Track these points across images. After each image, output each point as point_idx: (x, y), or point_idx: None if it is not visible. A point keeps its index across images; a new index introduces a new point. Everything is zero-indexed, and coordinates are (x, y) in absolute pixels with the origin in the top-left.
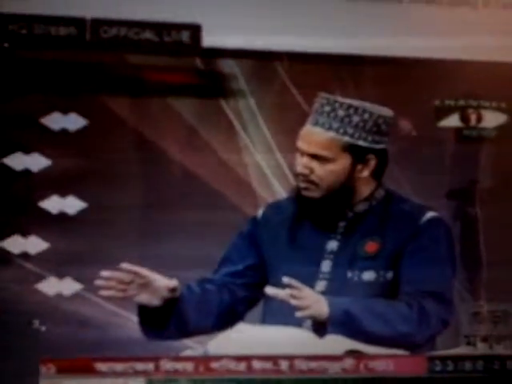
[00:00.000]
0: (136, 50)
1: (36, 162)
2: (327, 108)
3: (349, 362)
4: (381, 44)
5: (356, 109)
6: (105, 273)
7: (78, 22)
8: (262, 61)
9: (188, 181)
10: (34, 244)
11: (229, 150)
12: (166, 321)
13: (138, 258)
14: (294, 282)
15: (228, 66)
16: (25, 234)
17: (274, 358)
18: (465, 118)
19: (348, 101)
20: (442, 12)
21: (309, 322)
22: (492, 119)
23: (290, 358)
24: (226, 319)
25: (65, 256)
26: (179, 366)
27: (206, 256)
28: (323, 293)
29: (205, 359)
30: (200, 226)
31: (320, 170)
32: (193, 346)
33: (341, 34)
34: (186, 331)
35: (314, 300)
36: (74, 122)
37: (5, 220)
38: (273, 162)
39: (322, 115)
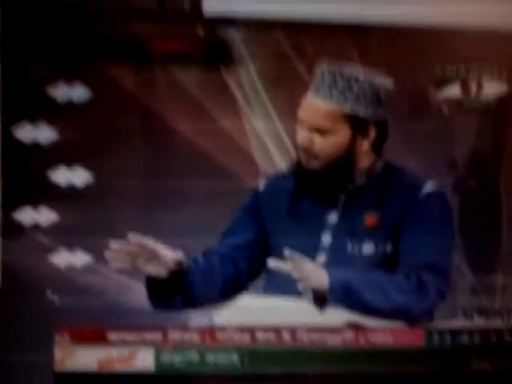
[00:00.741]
0: (138, 19)
1: (43, 134)
2: (328, 78)
3: (348, 335)
4: (382, 12)
5: (356, 79)
6: (114, 245)
7: None
8: (262, 28)
9: (190, 150)
10: (45, 215)
11: (229, 119)
12: (172, 292)
13: (144, 228)
14: (295, 254)
15: (229, 33)
16: (35, 205)
17: (276, 329)
18: (465, 88)
19: (348, 71)
20: None
21: (309, 293)
22: (493, 89)
23: (293, 330)
24: (231, 291)
25: (74, 227)
26: (186, 336)
27: (210, 225)
28: (324, 264)
29: (210, 329)
30: (204, 195)
31: (321, 142)
32: (199, 317)
33: (341, 2)
34: (192, 302)
35: (314, 272)
36: (78, 92)
37: (15, 191)
38: (273, 131)
39: (322, 85)
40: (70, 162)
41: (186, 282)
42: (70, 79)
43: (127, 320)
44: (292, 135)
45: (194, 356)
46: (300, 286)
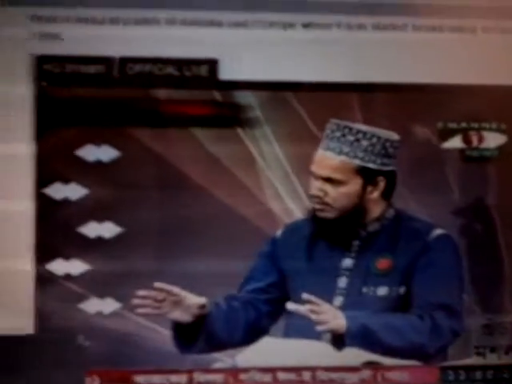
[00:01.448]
0: (159, 85)
1: (74, 191)
2: (337, 133)
3: (366, 373)
4: (387, 71)
5: (364, 133)
6: (141, 292)
7: (106, 60)
8: (275, 91)
9: (211, 203)
10: (76, 266)
11: (248, 175)
12: (196, 336)
13: (169, 277)
14: (313, 297)
15: (244, 97)
16: (67, 257)
17: (297, 369)
18: (467, 140)
19: (357, 126)
20: (443, 38)
21: (328, 336)
22: (493, 140)
23: (312, 369)
24: (252, 333)
25: (104, 277)
26: (210, 377)
27: (231, 274)
28: (340, 307)
29: (234, 371)
30: (224, 245)
31: (333, 192)
32: (222, 359)
33: (348, 63)
34: (216, 345)
35: (332, 315)
36: (106, 152)
37: (48, 245)
38: (289, 185)
39: (332, 140)
40: (99, 216)
41: (209, 325)
42: (98, 143)
43: (154, 363)
44: (306, 187)
45: None
46: (318, 329)
